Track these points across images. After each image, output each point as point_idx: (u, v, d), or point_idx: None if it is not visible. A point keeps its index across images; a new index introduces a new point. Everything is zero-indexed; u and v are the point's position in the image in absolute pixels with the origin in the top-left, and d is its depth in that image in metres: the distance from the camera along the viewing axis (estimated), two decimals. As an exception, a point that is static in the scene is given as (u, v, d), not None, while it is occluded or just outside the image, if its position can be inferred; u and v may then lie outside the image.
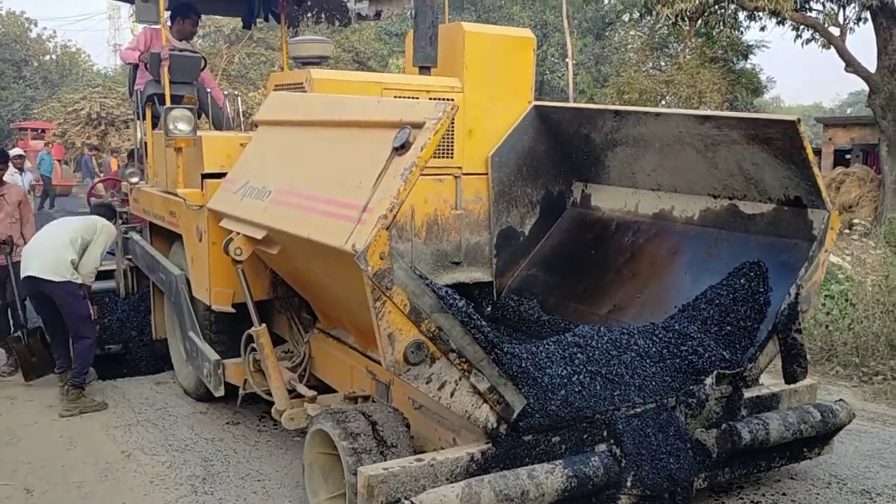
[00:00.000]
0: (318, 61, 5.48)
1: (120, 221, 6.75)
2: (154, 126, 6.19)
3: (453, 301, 3.43)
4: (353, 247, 3.19)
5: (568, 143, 5.77)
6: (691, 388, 3.99)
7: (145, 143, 6.38)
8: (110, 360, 6.57)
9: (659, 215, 5.22)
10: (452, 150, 5.58)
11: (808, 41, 19.77)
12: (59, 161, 25.26)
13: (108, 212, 6.36)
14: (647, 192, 5.33)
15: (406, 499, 3.28)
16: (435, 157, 5.48)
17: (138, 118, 6.54)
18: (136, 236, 6.53)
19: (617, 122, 5.24)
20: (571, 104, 6.24)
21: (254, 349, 4.68)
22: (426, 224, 5.53)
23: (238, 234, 4.30)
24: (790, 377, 4.24)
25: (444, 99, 5.46)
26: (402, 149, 3.28)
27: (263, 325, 4.57)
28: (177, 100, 5.90)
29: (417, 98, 5.38)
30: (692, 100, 21.86)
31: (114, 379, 6.56)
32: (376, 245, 3.14)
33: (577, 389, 3.78)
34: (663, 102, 23.60)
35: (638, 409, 3.87)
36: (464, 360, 3.41)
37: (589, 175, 5.83)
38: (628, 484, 3.69)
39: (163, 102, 5.76)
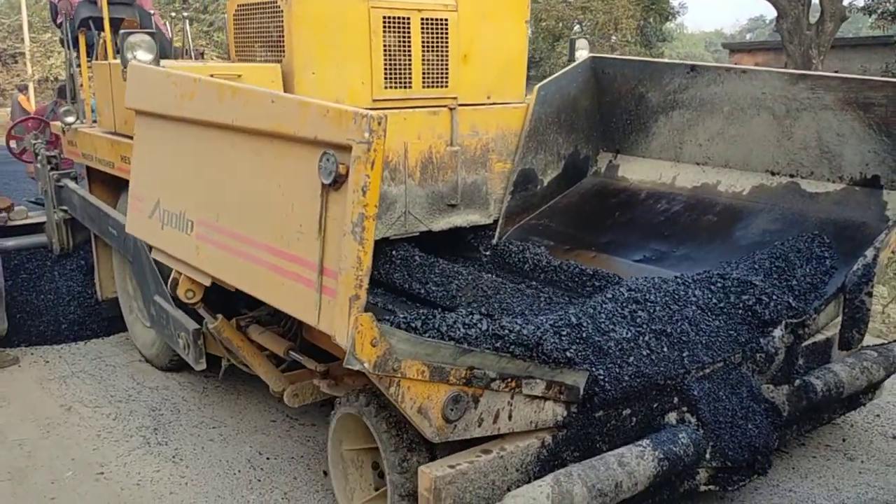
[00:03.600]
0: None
1: (49, 167, 5.67)
2: (90, 55, 5.11)
3: (474, 323, 2.81)
4: (332, 335, 2.50)
5: (614, 104, 5.24)
6: (759, 341, 3.48)
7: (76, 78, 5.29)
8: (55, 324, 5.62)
9: (700, 189, 4.74)
10: (447, 77, 4.82)
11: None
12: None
13: None
14: (689, 165, 4.86)
15: None
16: (427, 87, 4.75)
17: (68, 47, 5.39)
18: (71, 184, 5.49)
19: (688, 80, 4.74)
20: (637, 57, 5.59)
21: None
22: (420, 163, 4.77)
23: (181, 274, 3.53)
24: (846, 343, 3.83)
25: (434, 20, 4.66)
26: (335, 184, 2.50)
27: (219, 316, 3.76)
28: (115, 24, 4.85)
29: (408, 18, 4.58)
30: (607, 26, 21.38)
31: (57, 344, 5.71)
32: (362, 337, 2.44)
33: (644, 353, 3.21)
34: (577, 28, 23.06)
35: (707, 370, 3.34)
36: (509, 378, 2.81)
37: (623, 145, 5.30)
38: (707, 456, 3.18)
39: (99, 27, 4.71)
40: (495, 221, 5.14)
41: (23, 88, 19.13)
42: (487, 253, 5.07)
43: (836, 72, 19.95)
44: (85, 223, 5.33)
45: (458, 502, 2.75)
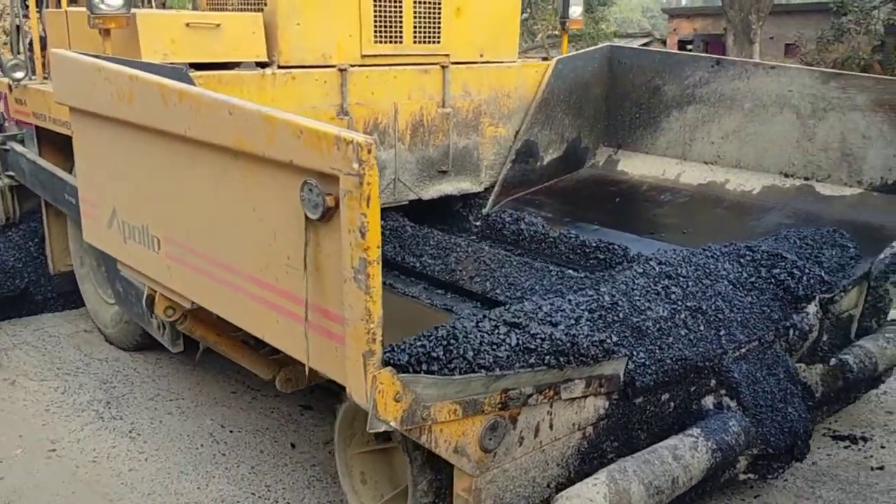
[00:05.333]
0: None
1: (-10, 128, 5.03)
2: (40, 3, 4.48)
3: (501, 340, 2.45)
4: (348, 391, 2.16)
5: (624, 96, 4.99)
6: (792, 318, 3.24)
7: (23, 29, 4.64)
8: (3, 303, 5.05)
9: (706, 186, 4.54)
10: (438, 33, 4.41)
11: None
12: None
13: None
14: (697, 164, 4.65)
15: None
16: (419, 43, 4.33)
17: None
18: (18, 147, 4.86)
19: (711, 74, 4.54)
20: (659, 49, 5.31)
21: None
22: (410, 126, 4.37)
23: (156, 292, 3.10)
24: (864, 331, 3.64)
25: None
26: (323, 218, 2.10)
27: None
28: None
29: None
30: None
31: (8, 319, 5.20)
32: (384, 395, 2.08)
33: (683, 333, 2.93)
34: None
35: (743, 350, 3.09)
36: (546, 388, 2.47)
37: (626, 140, 5.06)
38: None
39: (50, -31, 4.10)
40: (486, 190, 4.79)
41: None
42: (478, 223, 4.72)
43: (771, 38, 20.03)
44: (35, 190, 4.75)
45: (499, 503, 2.44)
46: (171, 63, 3.53)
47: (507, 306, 2.78)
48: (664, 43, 24.15)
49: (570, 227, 4.42)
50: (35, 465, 3.56)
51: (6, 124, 5.20)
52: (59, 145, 4.68)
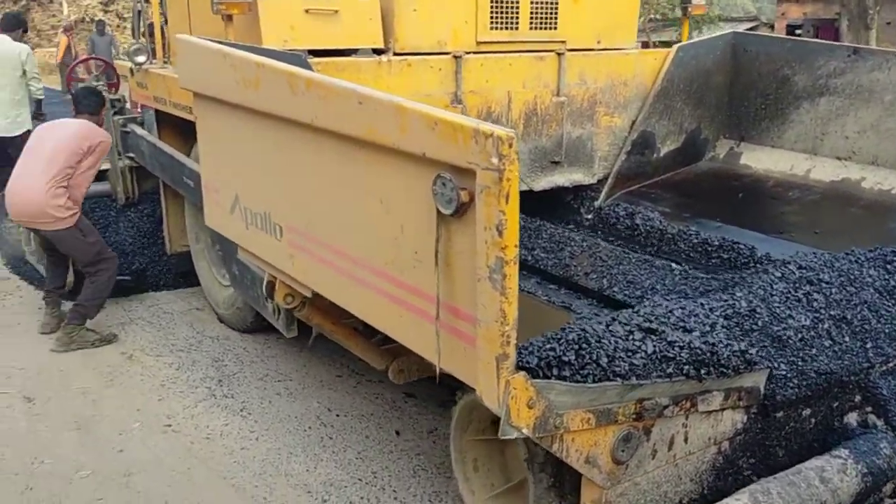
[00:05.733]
0: None
1: (113, 111, 5.16)
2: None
3: (637, 347, 2.29)
4: (479, 394, 2.04)
5: (749, 86, 4.69)
6: (945, 331, 2.95)
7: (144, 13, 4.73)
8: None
9: (840, 183, 4.19)
10: (555, 18, 4.25)
11: None
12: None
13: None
14: (828, 159, 4.31)
15: None
16: (535, 29, 4.18)
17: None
18: (138, 129, 4.98)
19: (847, 64, 4.22)
20: (788, 37, 5.01)
21: None
22: (524, 115, 4.23)
23: (276, 279, 3.06)
24: None
25: None
26: (456, 213, 1.97)
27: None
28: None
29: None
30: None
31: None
32: (517, 401, 1.96)
33: (826, 344, 2.70)
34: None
35: (891, 364, 2.83)
36: (683, 400, 2.31)
37: (750, 132, 4.74)
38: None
39: (174, -44, 4.14)
40: (599, 182, 4.60)
41: (68, 29, 18.44)
42: (590, 216, 4.54)
43: (888, 23, 18.80)
44: (155, 172, 4.86)
45: (630, 520, 2.30)
46: (291, 49, 3.50)
47: (636, 309, 2.62)
48: (771, 27, 23.06)
49: (689, 223, 4.19)
50: (152, 440, 3.65)
51: (127, 107, 5.34)
52: (177, 128, 4.77)
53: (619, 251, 3.88)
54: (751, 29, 21.37)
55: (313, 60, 3.44)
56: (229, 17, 3.43)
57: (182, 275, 5.34)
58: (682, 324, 2.52)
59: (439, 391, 4.01)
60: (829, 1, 20.90)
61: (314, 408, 3.93)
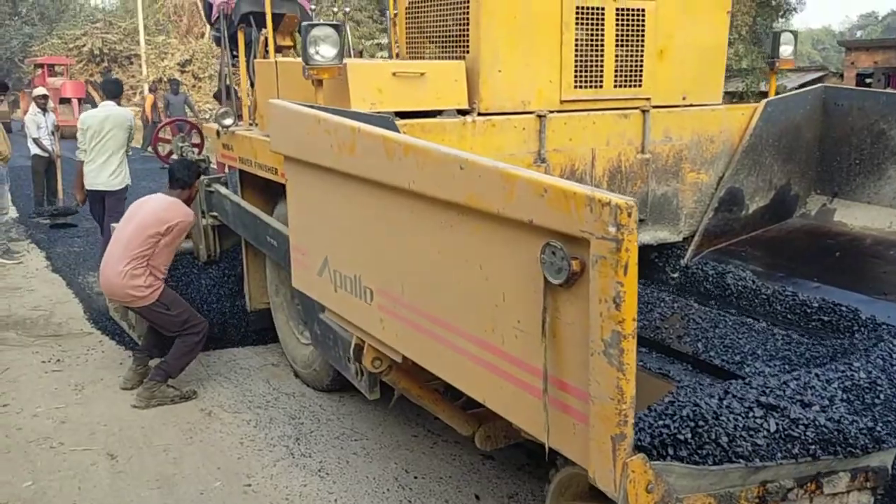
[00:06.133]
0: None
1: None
2: (248, 52, 4.67)
3: (758, 425, 2.17)
4: (590, 475, 1.94)
5: (842, 141, 4.53)
6: None
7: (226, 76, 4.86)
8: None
9: None
10: (640, 76, 4.18)
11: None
12: (78, 100, 23.15)
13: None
14: None
15: None
16: (619, 87, 4.11)
17: (226, 46, 4.94)
18: (222, 189, 5.08)
19: None
20: (881, 90, 4.87)
21: None
22: (608, 172, 4.14)
23: (365, 342, 3.03)
24: None
25: (630, 11, 4.01)
26: (567, 283, 1.88)
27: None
28: (276, 20, 4.38)
29: (602, 9, 3.94)
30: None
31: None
32: (635, 485, 1.86)
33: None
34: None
35: None
36: (807, 482, 2.17)
37: (844, 187, 4.55)
38: None
39: (261, 23, 4.25)
40: (685, 240, 4.46)
41: (154, 89, 19.27)
42: (675, 275, 4.39)
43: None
44: (238, 231, 4.92)
45: None
46: (378, 112, 3.51)
47: (747, 380, 2.47)
48: (841, 77, 22.54)
49: (784, 282, 4.00)
50: (233, 499, 3.63)
51: (211, 167, 5.46)
52: (260, 188, 4.84)
53: (713, 313, 3.72)
54: (818, 78, 20.93)
55: (400, 122, 3.44)
56: (319, 82, 3.47)
57: (260, 331, 5.36)
58: (799, 397, 2.37)
59: (518, 454, 3.89)
60: (902, 48, 20.42)
61: (392, 469, 3.86)
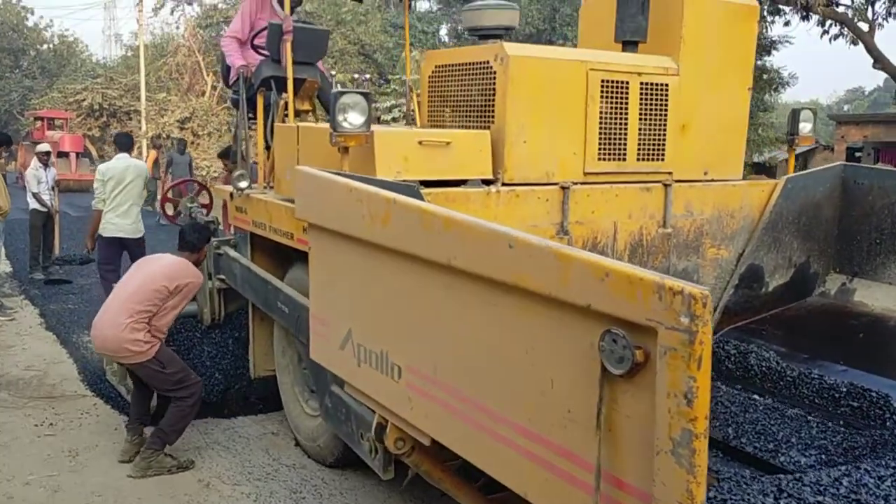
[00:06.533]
0: (503, 33, 3.96)
1: (207, 233, 5.17)
2: (266, 116, 4.62)
3: None
4: None
5: (862, 220, 4.54)
6: None
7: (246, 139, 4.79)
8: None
9: None
10: (663, 150, 4.15)
11: (835, 37, 18.51)
12: (76, 154, 23.22)
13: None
14: None
15: None
16: (642, 160, 4.08)
17: (244, 108, 4.89)
18: (231, 252, 4.96)
19: None
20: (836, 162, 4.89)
21: None
22: (629, 246, 4.07)
23: (388, 421, 2.90)
24: None
25: (653, 86, 4.00)
26: (628, 374, 1.79)
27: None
28: (297, 85, 4.35)
29: (626, 83, 3.93)
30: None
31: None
32: None
33: None
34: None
35: None
36: None
37: (864, 267, 4.54)
38: None
39: (281, 88, 4.21)
40: (705, 315, 4.35)
41: (157, 146, 19.25)
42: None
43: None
44: (246, 295, 4.79)
45: None
46: (403, 180, 3.44)
47: (797, 475, 2.34)
48: (832, 150, 22.93)
49: (809, 364, 3.90)
50: (235, 583, 3.40)
51: (219, 229, 5.35)
52: (271, 253, 4.72)
53: (741, 396, 3.60)
54: (810, 151, 21.22)
55: (424, 191, 3.37)
56: (346, 149, 3.40)
57: (264, 399, 5.17)
58: (853, 496, 2.24)
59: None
60: (891, 124, 20.81)
61: (399, 551, 3.65)
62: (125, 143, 7.51)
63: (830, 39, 18.69)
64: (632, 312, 1.76)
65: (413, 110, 4.95)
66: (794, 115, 4.61)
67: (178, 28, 37.70)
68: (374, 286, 2.80)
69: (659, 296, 1.69)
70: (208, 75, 27.27)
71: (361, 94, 3.34)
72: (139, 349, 4.31)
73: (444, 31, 31.65)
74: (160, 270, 4.44)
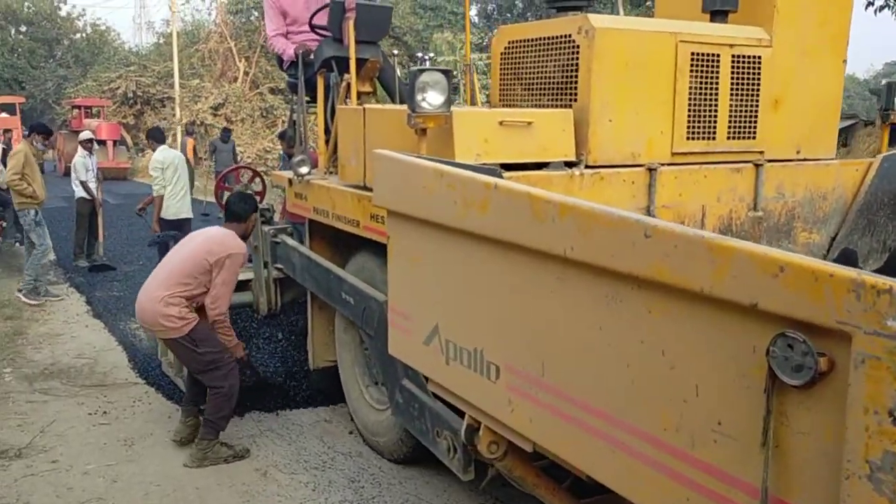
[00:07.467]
0: (585, 4, 3.67)
1: (261, 220, 4.96)
2: (327, 98, 4.38)
3: None
4: None
5: None
6: None
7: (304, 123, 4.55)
8: (252, 390, 4.88)
9: None
10: (754, 127, 3.84)
11: (880, 9, 17.85)
12: (112, 142, 23.29)
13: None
14: None
15: None
16: (732, 139, 3.78)
17: (302, 90, 4.63)
18: (289, 241, 4.75)
19: None
20: None
21: None
22: (718, 231, 3.78)
23: (480, 423, 2.66)
24: None
25: (746, 59, 3.70)
26: (808, 385, 1.52)
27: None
28: (359, 65, 4.10)
29: (717, 56, 3.63)
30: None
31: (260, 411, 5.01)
32: None
33: None
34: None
35: None
36: None
37: None
38: None
39: (343, 68, 3.96)
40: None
41: (191, 132, 19.21)
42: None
43: None
44: (305, 284, 4.57)
45: None
46: (484, 163, 3.18)
47: None
48: (872, 124, 22.24)
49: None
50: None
51: (275, 217, 5.15)
52: (331, 241, 4.50)
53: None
54: (850, 127, 20.62)
55: (505, 175, 3.11)
56: (423, 131, 3.14)
57: (323, 391, 4.98)
58: None
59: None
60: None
61: (459, 541, 3.48)
62: (159, 137, 8.38)
63: (876, 11, 18.05)
64: (816, 314, 1.49)
65: (475, 91, 4.69)
66: (890, 88, 4.26)
67: (209, 14, 37.68)
68: (466, 278, 2.55)
69: (857, 295, 1.42)
70: (240, 61, 27.20)
71: (442, 71, 3.07)
72: (172, 325, 4.17)
73: (473, 12, 31.19)
74: (202, 245, 4.32)
